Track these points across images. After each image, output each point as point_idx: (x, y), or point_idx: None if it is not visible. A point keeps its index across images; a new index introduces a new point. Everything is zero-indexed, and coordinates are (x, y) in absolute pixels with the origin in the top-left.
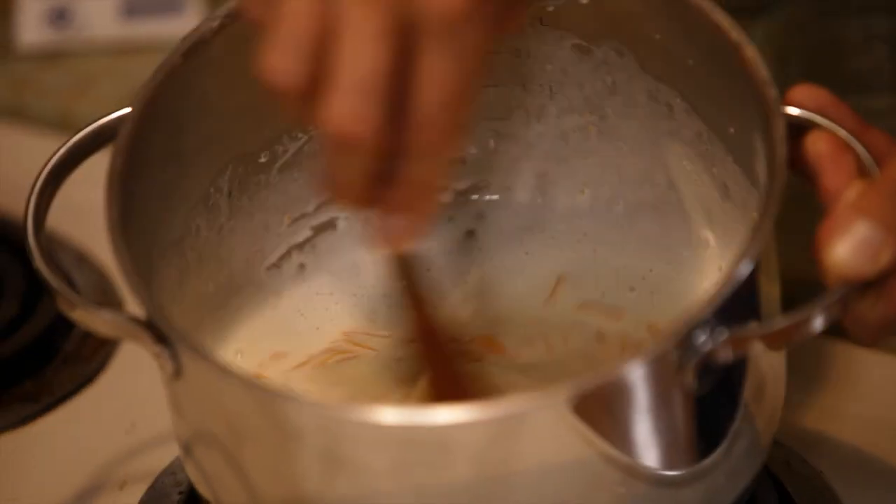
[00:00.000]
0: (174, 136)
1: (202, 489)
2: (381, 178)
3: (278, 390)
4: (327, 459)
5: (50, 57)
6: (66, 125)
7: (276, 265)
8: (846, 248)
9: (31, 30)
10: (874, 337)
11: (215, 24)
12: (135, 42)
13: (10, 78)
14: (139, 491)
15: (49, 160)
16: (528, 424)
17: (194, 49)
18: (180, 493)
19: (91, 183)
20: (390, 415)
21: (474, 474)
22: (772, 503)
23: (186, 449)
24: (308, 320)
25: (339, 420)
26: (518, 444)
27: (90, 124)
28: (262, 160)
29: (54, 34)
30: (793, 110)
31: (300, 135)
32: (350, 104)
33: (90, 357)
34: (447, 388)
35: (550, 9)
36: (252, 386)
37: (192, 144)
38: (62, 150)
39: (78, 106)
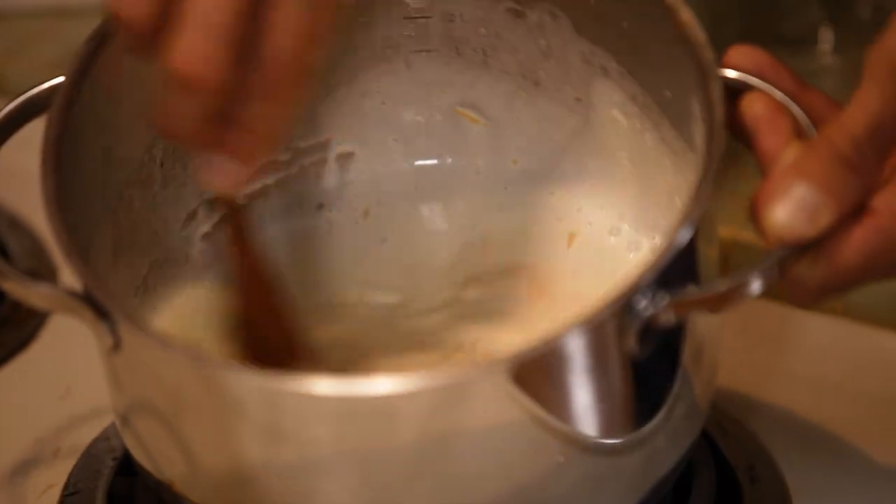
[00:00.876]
0: (108, 104)
1: (142, 460)
2: (218, 119)
3: (219, 361)
4: (268, 430)
5: None
6: None
7: (210, 234)
8: (784, 210)
9: None
10: (812, 300)
11: None
12: (70, 5)
13: None
14: (73, 458)
15: None
16: (468, 394)
17: None
18: (114, 458)
19: (24, 148)
20: (331, 385)
21: (416, 443)
22: (708, 466)
23: (124, 420)
24: None
25: (279, 391)
26: (459, 414)
27: (24, 92)
28: None
29: None
30: (729, 72)
31: None
32: (196, 44)
33: (23, 322)
34: (275, 344)
35: None
36: (192, 357)
37: (126, 113)
38: None
39: (10, 70)
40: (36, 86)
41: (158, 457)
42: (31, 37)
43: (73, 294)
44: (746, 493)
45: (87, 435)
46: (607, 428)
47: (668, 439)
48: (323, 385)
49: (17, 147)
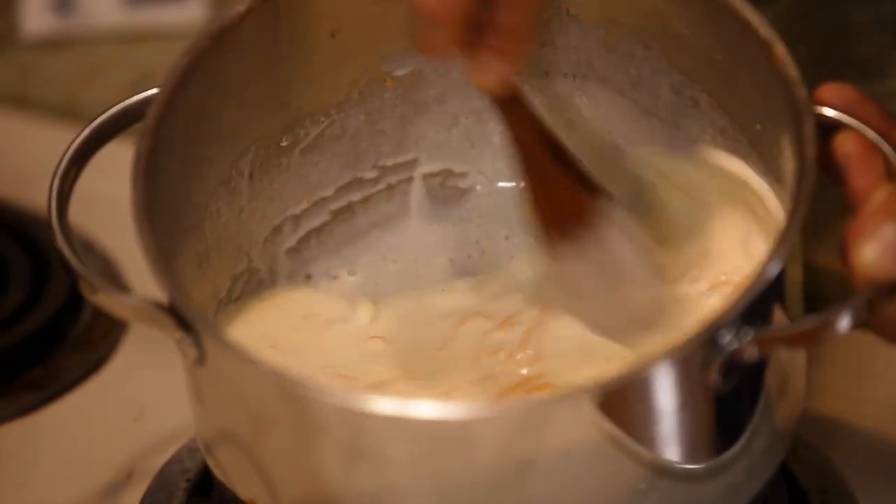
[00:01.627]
0: (198, 119)
1: (222, 477)
2: (475, 28)
3: (303, 380)
4: (349, 452)
5: (54, 45)
6: (71, 113)
7: (295, 249)
8: (874, 250)
9: (35, 18)
10: None
11: (243, 8)
12: (139, 30)
13: (14, 66)
14: (146, 479)
15: (72, 142)
16: (552, 421)
17: (221, 33)
18: (187, 480)
19: (99, 173)
20: (415, 408)
21: (496, 469)
22: (780, 490)
23: (206, 438)
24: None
25: (362, 413)
26: (541, 441)
27: (96, 117)
28: (284, 144)
29: (58, 22)
30: (824, 110)
31: (321, 118)
32: None
33: (97, 344)
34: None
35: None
36: (275, 374)
37: (216, 128)
38: (86, 132)
39: (83, 94)
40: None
41: (237, 477)
42: (101, 62)
43: (158, 306)
44: None
45: (160, 457)
46: (688, 455)
47: (747, 470)
48: (406, 407)
49: (92, 172)
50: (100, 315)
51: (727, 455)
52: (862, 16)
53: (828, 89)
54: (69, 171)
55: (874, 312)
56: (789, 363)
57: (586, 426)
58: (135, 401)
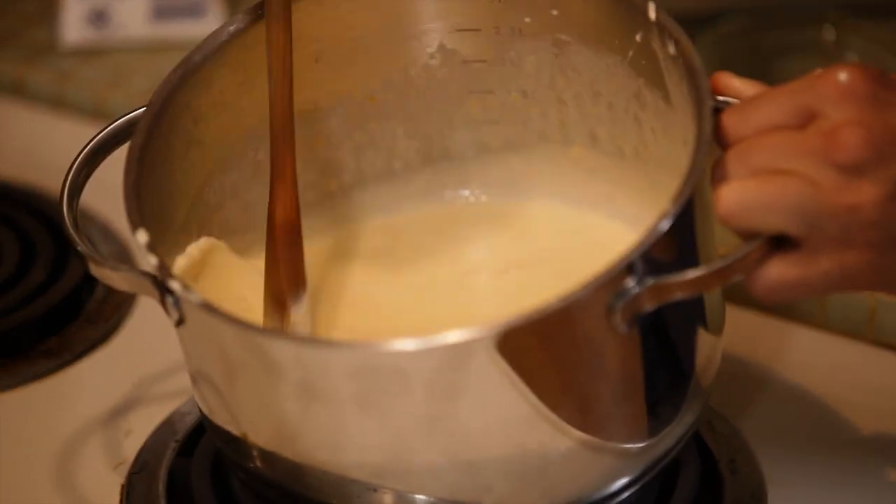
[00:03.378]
0: (194, 124)
1: (210, 416)
2: None
3: (258, 327)
4: (302, 391)
5: (89, 53)
6: (100, 114)
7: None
8: (724, 197)
9: (74, 29)
10: (776, 296)
11: (233, 28)
12: (163, 41)
13: (54, 72)
14: (142, 438)
15: (86, 145)
16: (463, 358)
17: (214, 48)
18: (176, 441)
19: (117, 164)
20: (352, 345)
21: (427, 402)
22: (693, 459)
23: (194, 381)
24: None
25: (309, 352)
26: (459, 376)
27: (123, 115)
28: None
29: (93, 33)
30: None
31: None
32: None
33: (108, 318)
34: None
35: None
36: (237, 325)
37: (213, 132)
38: (98, 137)
39: (112, 97)
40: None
41: (219, 417)
42: (129, 69)
43: (145, 274)
44: (727, 484)
45: (154, 420)
46: (600, 410)
47: (660, 429)
48: (344, 346)
49: (114, 166)
50: (111, 293)
51: (638, 408)
52: (792, 39)
53: (721, 76)
54: (81, 170)
55: (759, 266)
56: (702, 313)
57: (489, 365)
58: (136, 369)
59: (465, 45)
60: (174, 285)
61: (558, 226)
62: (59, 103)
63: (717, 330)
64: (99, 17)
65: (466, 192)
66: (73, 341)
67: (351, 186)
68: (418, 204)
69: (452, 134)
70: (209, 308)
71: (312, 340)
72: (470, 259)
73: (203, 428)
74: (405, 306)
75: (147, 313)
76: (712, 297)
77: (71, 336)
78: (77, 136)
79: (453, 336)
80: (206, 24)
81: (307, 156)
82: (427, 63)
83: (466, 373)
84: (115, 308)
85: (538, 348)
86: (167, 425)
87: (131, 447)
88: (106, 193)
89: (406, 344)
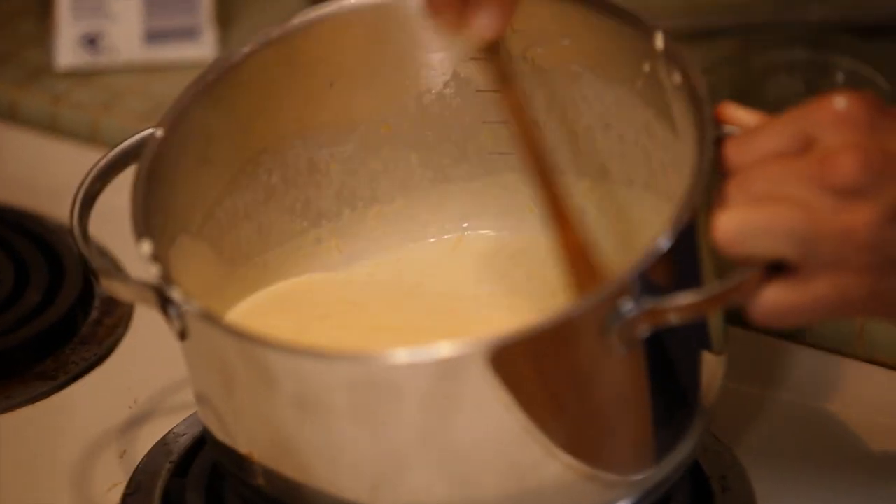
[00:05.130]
0: (206, 144)
1: (213, 430)
2: None
3: (256, 336)
4: (297, 403)
5: (83, 76)
6: (94, 137)
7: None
8: (723, 224)
9: (68, 53)
10: (769, 320)
11: (247, 49)
12: (157, 64)
13: (47, 94)
14: (136, 459)
15: (101, 159)
16: (451, 372)
17: (228, 68)
18: (171, 462)
19: (119, 193)
20: (344, 355)
21: (421, 416)
22: (685, 475)
23: (198, 397)
24: None
25: (302, 362)
26: (452, 390)
27: (138, 132)
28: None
29: (87, 56)
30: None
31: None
32: None
33: (102, 340)
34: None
35: None
36: (234, 334)
37: (224, 153)
38: (114, 152)
39: (106, 120)
40: (126, 135)
41: (218, 429)
42: (122, 92)
43: (147, 285)
44: (718, 500)
45: (149, 441)
46: (595, 434)
47: (666, 444)
48: (337, 357)
49: (110, 193)
50: (105, 315)
51: (636, 435)
52: (782, 59)
53: (726, 106)
54: (96, 181)
55: (756, 291)
56: (706, 334)
57: (479, 382)
58: (130, 391)
59: (478, 73)
60: (176, 295)
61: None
62: (52, 126)
63: (720, 350)
64: (92, 41)
65: (465, 225)
66: (67, 363)
67: (364, 215)
68: (420, 237)
69: (464, 164)
70: (210, 318)
71: (307, 351)
72: (472, 294)
73: (198, 448)
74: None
75: (141, 335)
76: (714, 316)
77: (66, 358)
78: (71, 158)
79: (443, 350)
80: (199, 47)
81: (321, 180)
82: (441, 91)
83: (457, 387)
84: (110, 330)
85: (530, 367)
86: (162, 446)
87: (126, 468)
88: (105, 219)
89: (393, 355)
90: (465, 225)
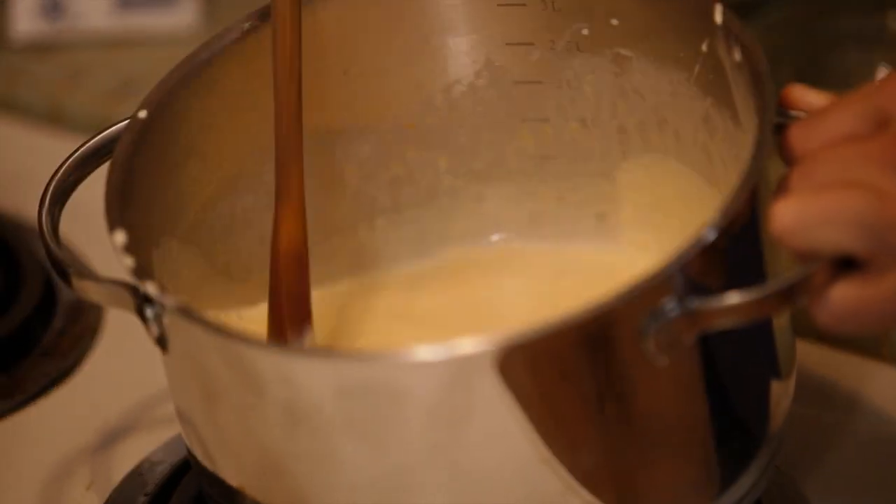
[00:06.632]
0: (196, 132)
1: (195, 452)
2: None
3: (239, 335)
4: (287, 411)
5: (43, 49)
6: (57, 118)
7: None
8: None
9: (25, 21)
10: (837, 322)
11: (247, 25)
12: (128, 35)
13: (2, 69)
14: (106, 492)
15: (78, 148)
16: (454, 378)
17: (224, 47)
18: (146, 494)
19: (91, 190)
20: (339, 354)
21: (426, 429)
22: None
23: (179, 413)
24: None
25: (291, 364)
26: (461, 397)
27: (122, 120)
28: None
29: (48, 25)
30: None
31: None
32: None
33: (66, 353)
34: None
35: None
36: (218, 333)
37: (217, 145)
38: (93, 141)
39: (70, 98)
40: (93, 116)
41: (198, 446)
42: (89, 66)
43: (120, 284)
44: None
45: (121, 470)
46: (629, 468)
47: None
48: (332, 356)
49: (84, 189)
50: (70, 324)
51: (681, 470)
52: (850, 28)
53: (793, 89)
54: (71, 172)
55: (818, 289)
56: (771, 345)
57: (487, 391)
58: (98, 412)
59: (516, 61)
60: (150, 289)
61: (596, 270)
62: (9, 105)
63: (787, 365)
64: (54, 7)
65: (496, 237)
66: (26, 379)
67: (384, 227)
68: (444, 249)
69: (499, 169)
70: (189, 313)
71: (298, 350)
72: (498, 314)
73: (178, 478)
74: None
75: (112, 346)
76: (781, 325)
77: (24, 374)
78: (31, 142)
79: (453, 348)
80: (177, 16)
81: (333, 187)
82: (473, 82)
83: (463, 398)
84: (75, 341)
85: (549, 372)
86: (135, 476)
87: (94, 502)
88: (75, 218)
89: (393, 355)
90: (496, 238)
